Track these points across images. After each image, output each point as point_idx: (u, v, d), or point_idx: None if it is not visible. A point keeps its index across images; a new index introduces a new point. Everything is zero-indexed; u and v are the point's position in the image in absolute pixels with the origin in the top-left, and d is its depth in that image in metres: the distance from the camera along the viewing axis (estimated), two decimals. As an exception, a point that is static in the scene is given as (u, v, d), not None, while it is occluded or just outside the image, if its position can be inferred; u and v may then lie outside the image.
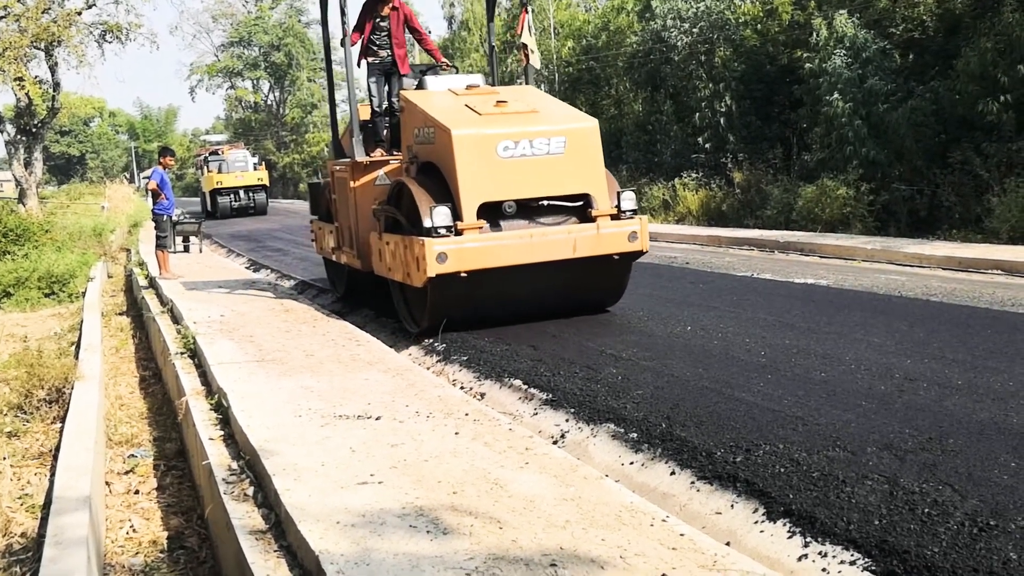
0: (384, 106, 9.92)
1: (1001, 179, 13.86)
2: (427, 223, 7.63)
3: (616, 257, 8.16)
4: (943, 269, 11.27)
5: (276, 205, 41.80)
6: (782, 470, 4.37)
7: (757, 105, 20.55)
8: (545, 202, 7.98)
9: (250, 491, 4.50)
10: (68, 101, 31.82)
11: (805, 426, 4.95)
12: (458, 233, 7.65)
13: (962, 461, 4.28)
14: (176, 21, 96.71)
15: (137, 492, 5.79)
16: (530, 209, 7.97)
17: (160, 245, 13.57)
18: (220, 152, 36.81)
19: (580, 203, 8.11)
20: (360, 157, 9.56)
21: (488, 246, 7.71)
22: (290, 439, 5.01)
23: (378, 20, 9.83)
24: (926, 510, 3.79)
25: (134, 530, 5.15)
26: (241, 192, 34.84)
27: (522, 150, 7.82)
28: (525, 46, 10.04)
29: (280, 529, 4.00)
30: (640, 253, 8.33)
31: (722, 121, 20.78)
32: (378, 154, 9.74)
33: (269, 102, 66.61)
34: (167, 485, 5.93)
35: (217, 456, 5.06)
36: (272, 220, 30.92)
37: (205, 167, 36.19)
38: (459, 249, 7.59)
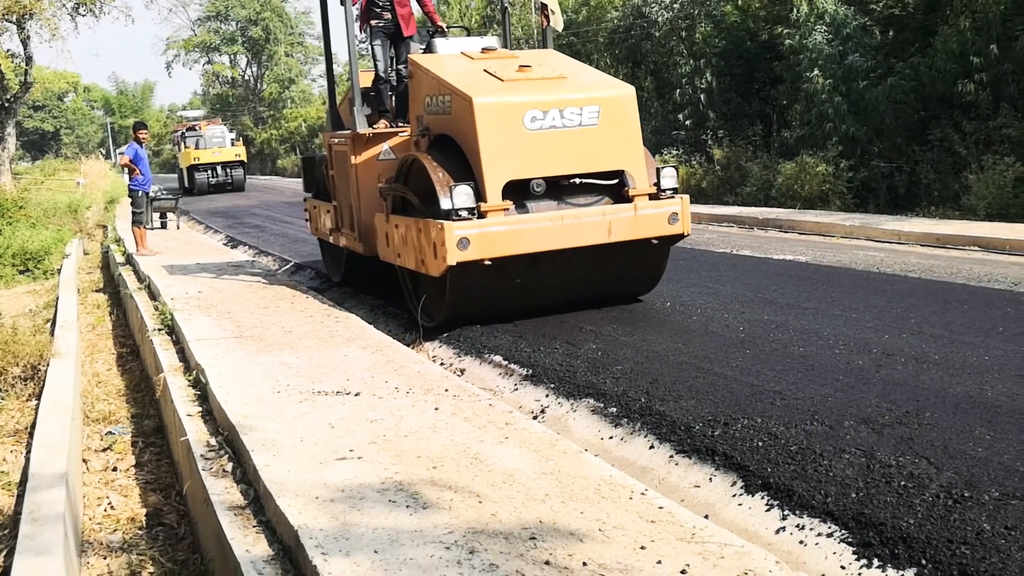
0: (389, 72, 9.14)
1: (979, 156, 13.93)
2: (446, 204, 6.82)
3: (655, 241, 7.41)
4: (921, 245, 11.34)
5: (254, 181, 41.51)
6: (760, 444, 4.40)
7: (737, 82, 20.52)
8: (577, 180, 7.20)
9: (229, 467, 4.48)
10: (41, 75, 31.33)
11: (783, 400, 4.97)
12: (481, 216, 6.82)
13: (938, 434, 4.32)
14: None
15: (115, 469, 5.75)
16: (559, 188, 7.17)
17: (136, 221, 13.43)
18: (197, 128, 36.48)
19: (615, 181, 7.35)
20: (362, 129, 8.67)
21: (515, 230, 6.88)
22: (269, 415, 4.98)
23: None
24: (902, 483, 3.83)
25: (112, 507, 5.12)
26: (219, 168, 34.59)
27: (551, 121, 7.01)
28: (545, 6, 9.05)
29: (259, 505, 3.99)
30: (680, 236, 7.56)
31: (703, 98, 20.75)
32: (382, 125, 8.93)
33: (247, 77, 65.97)
34: (145, 462, 5.90)
35: (195, 432, 5.04)
36: (250, 196, 30.70)
37: (182, 143, 35.88)
38: (483, 234, 6.77)
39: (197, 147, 34.57)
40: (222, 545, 3.75)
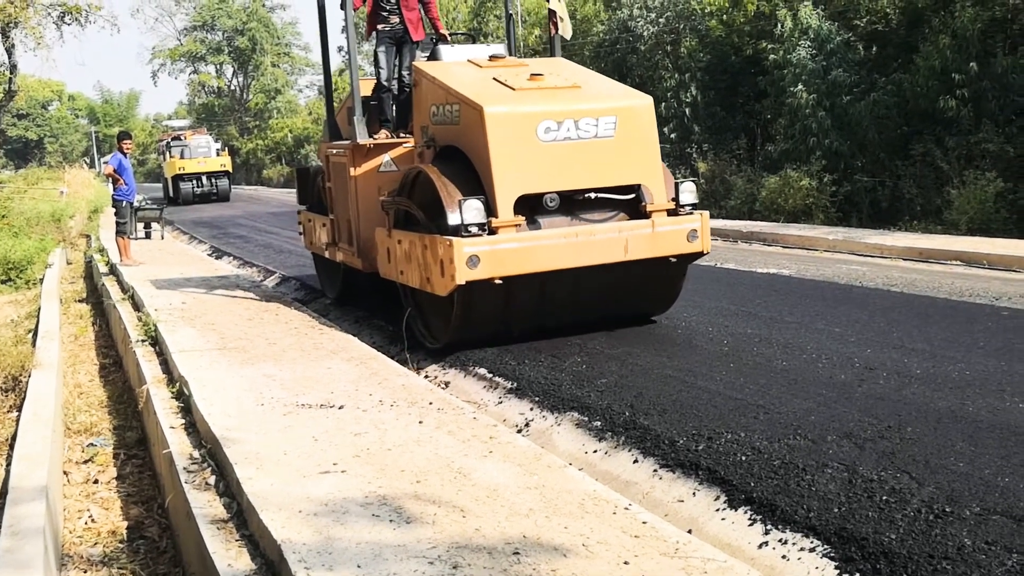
0: (392, 80, 8.74)
1: (960, 172, 14.06)
2: (454, 219, 6.46)
3: (673, 260, 7.08)
4: (903, 260, 11.41)
5: (239, 191, 41.39)
6: (743, 458, 4.41)
7: (722, 96, 20.64)
8: (593, 195, 6.84)
9: (211, 480, 4.46)
10: (25, 84, 31.23)
11: (767, 414, 4.99)
12: (492, 232, 6.47)
13: (920, 449, 4.34)
14: (137, 4, 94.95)
15: (96, 481, 5.71)
16: (572, 203, 6.82)
17: (120, 231, 13.37)
18: (183, 137, 36.38)
19: (632, 196, 7.02)
20: (362, 139, 8.28)
21: (528, 247, 6.53)
22: (252, 428, 4.97)
23: None
24: (884, 497, 3.85)
25: (93, 520, 5.08)
26: (204, 178, 34.48)
27: (566, 132, 6.65)
28: (554, 12, 8.71)
29: (242, 518, 3.98)
30: (700, 255, 7.21)
31: (687, 111, 20.86)
32: (383, 136, 8.58)
33: (232, 87, 65.85)
34: (127, 474, 5.86)
35: (178, 445, 5.01)
36: (235, 207, 30.60)
37: (167, 152, 35.76)
38: (494, 251, 6.41)
39: (182, 157, 34.47)
40: (204, 559, 3.74)
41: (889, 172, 15.90)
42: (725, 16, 21.21)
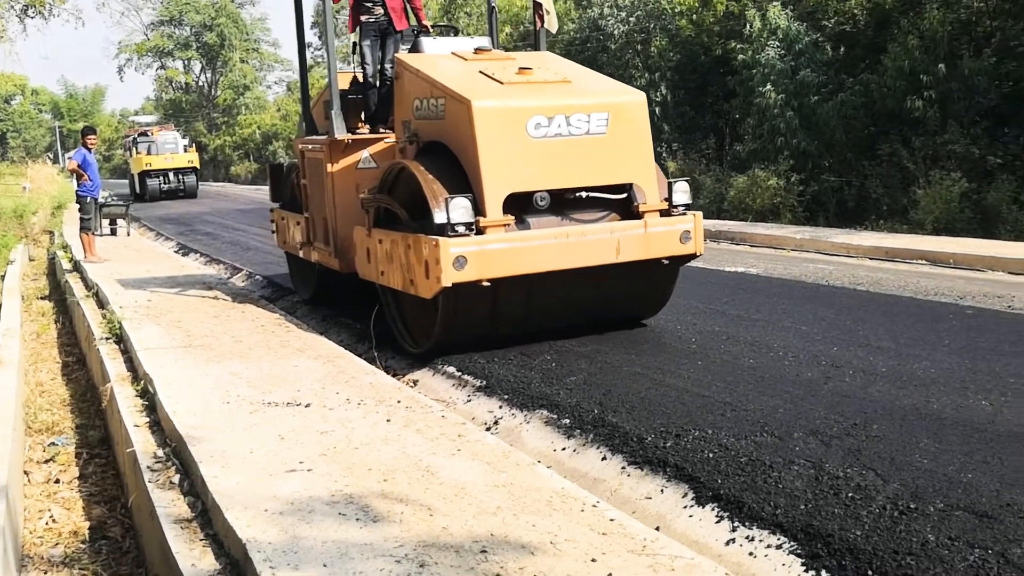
0: (376, 73, 8.43)
1: (926, 172, 14.22)
2: (440, 218, 6.20)
3: (665, 262, 6.90)
4: (870, 259, 11.52)
5: (207, 188, 41.03)
6: (711, 455, 4.42)
7: (691, 95, 20.74)
8: (584, 194, 6.62)
9: (176, 479, 4.41)
10: (-12, 78, 30.71)
11: (734, 412, 5.01)
12: (479, 232, 6.22)
13: (885, 446, 4.38)
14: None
15: (58, 481, 5.63)
16: (562, 202, 6.59)
17: (84, 228, 13.19)
18: (149, 133, 36.00)
19: (624, 195, 6.81)
20: (340, 134, 7.98)
21: (517, 248, 6.28)
22: (218, 426, 4.91)
23: None
24: (850, 494, 3.87)
25: (54, 520, 5.01)
26: (171, 174, 34.13)
27: (556, 128, 6.41)
28: (539, 5, 8.47)
29: (207, 517, 3.93)
30: (692, 256, 7.04)
31: (657, 111, 20.92)
32: (364, 131, 8.31)
33: (200, 83, 65.24)
34: (89, 474, 5.78)
35: (142, 443, 4.95)
36: (202, 203, 30.33)
37: (134, 148, 35.38)
38: (482, 252, 6.15)
39: (149, 153, 34.11)
40: (168, 559, 3.69)
41: (856, 172, 16.05)
42: (695, 16, 21.32)
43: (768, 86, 16.87)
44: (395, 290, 7.09)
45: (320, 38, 47.65)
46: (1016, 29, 14.85)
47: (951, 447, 4.34)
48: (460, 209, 6.19)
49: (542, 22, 8.54)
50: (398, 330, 7.36)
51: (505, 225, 6.30)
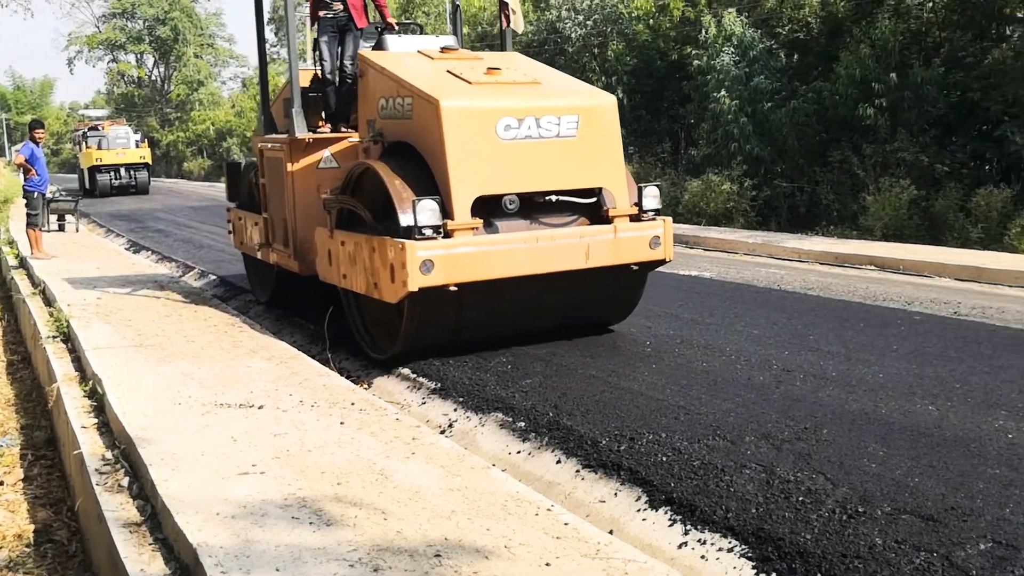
0: (335, 71, 8.25)
1: (876, 179, 14.48)
2: (407, 221, 6.01)
3: (634, 267, 6.84)
4: (820, 264, 11.70)
5: (159, 184, 40.41)
6: (664, 459, 4.46)
7: (648, 99, 20.89)
8: (554, 198, 6.50)
9: (124, 482, 4.34)
10: (-67, 68, 29.94)
11: (687, 415, 5.06)
12: (447, 235, 6.05)
13: (834, 450, 4.45)
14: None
15: (1, 483, 5.51)
16: (531, 205, 6.47)
17: (31, 223, 12.93)
18: (100, 128, 35.35)
19: (593, 199, 6.72)
20: (301, 133, 7.77)
21: (485, 252, 6.15)
22: (169, 428, 4.84)
23: None
24: (800, 498, 3.93)
25: (-2, 523, 4.90)
26: (122, 170, 33.54)
27: (527, 131, 6.29)
28: (506, 5, 8.33)
29: (156, 521, 3.87)
30: (662, 262, 6.99)
31: (614, 114, 21.05)
32: (325, 130, 8.15)
33: (153, 77, 64.32)
34: (35, 476, 5.66)
35: (90, 445, 4.86)
36: (154, 200, 29.88)
37: (84, 143, 34.73)
38: (449, 255, 5.99)
39: (100, 147, 33.49)
40: (115, 564, 3.62)
41: (808, 178, 16.30)
42: (651, 21, 21.48)
43: (723, 92, 17.06)
44: (357, 294, 6.93)
45: (277, 34, 47.26)
46: (964, 40, 15.18)
47: (898, 451, 4.42)
48: (427, 212, 6.02)
49: (508, 22, 8.42)
50: (360, 335, 7.17)
51: (473, 228, 6.16)
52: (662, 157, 19.69)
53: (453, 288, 6.06)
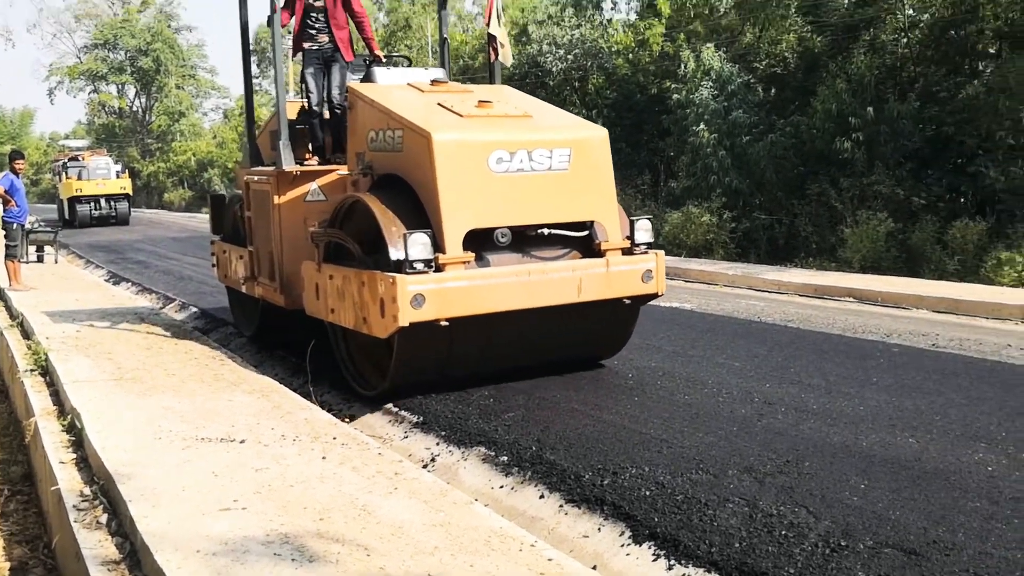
0: (323, 103, 8.21)
1: (854, 211, 14.65)
2: (397, 254, 5.94)
3: (627, 301, 6.74)
4: (800, 296, 11.78)
5: (139, 215, 40.27)
6: (647, 493, 4.46)
7: (627, 132, 21.09)
8: (546, 231, 6.46)
9: (103, 518, 4.29)
10: (-89, 98, 29.83)
11: (670, 448, 5.06)
12: (438, 269, 5.96)
13: (816, 484, 4.46)
14: (34, 19, 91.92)
15: (-23, 519, 5.44)
16: (522, 239, 6.42)
17: (10, 255, 12.86)
18: (80, 158, 35.25)
19: (585, 232, 6.67)
20: (288, 166, 7.72)
21: (477, 286, 6.05)
22: (149, 463, 4.80)
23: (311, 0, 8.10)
24: (783, 532, 3.93)
25: (-27, 560, 4.83)
26: (102, 200, 33.45)
27: (519, 164, 6.26)
28: (494, 38, 8.31)
29: (136, 559, 3.83)
30: (654, 296, 6.89)
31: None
32: (313, 162, 8.06)
33: (135, 108, 64.23)
34: (10, 512, 5.58)
35: (68, 481, 4.81)
36: (135, 231, 29.76)
37: (63, 173, 34.60)
38: (440, 290, 5.89)
39: (80, 178, 33.39)
40: (94, 603, 3.58)
41: (786, 210, 16.47)
42: (631, 55, 21.74)
43: (701, 125, 17.26)
44: (345, 329, 6.82)
45: (259, 65, 47.39)
46: (938, 75, 15.45)
47: (880, 484, 4.44)
48: (419, 245, 5.93)
49: (496, 55, 8.42)
50: (348, 371, 7.05)
51: (465, 262, 6.08)
52: (642, 189, 19.86)
53: (444, 323, 5.95)
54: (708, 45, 18.33)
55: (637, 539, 4.11)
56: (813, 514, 4.09)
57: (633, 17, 24.60)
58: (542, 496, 4.71)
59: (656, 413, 5.81)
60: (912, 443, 5.09)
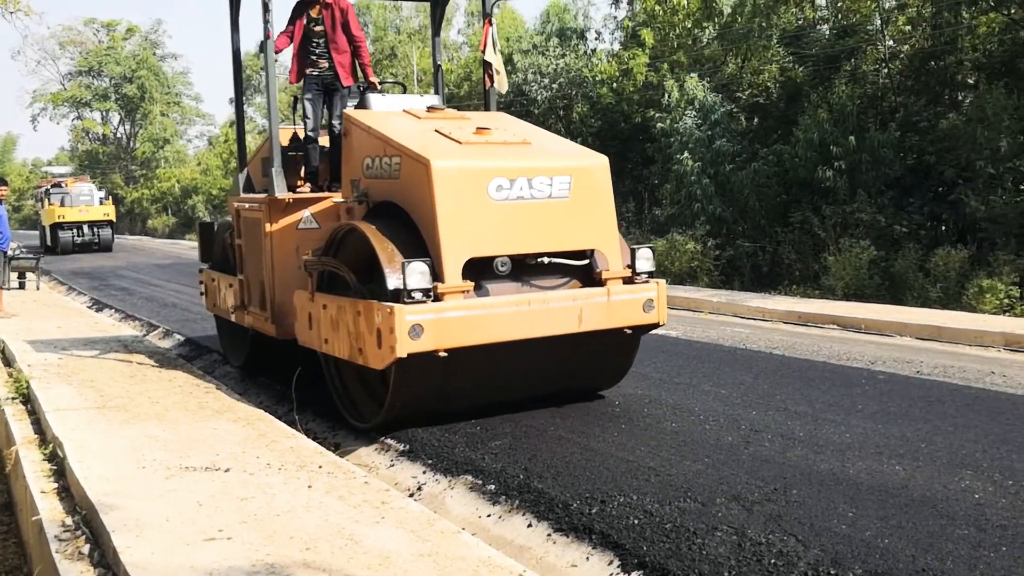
0: (320, 129, 8.15)
1: (836, 239, 14.75)
2: (395, 283, 5.79)
3: (628, 331, 6.64)
4: (784, 323, 11.83)
5: (123, 241, 40.13)
6: (636, 522, 4.44)
7: (612, 161, 20.97)
8: (546, 259, 6.34)
9: (85, 549, 4.23)
10: None
11: (658, 476, 5.06)
12: (437, 298, 5.82)
13: (804, 512, 4.46)
14: (18, 46, 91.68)
15: (-44, 550, 5.36)
16: (522, 268, 6.30)
17: (-8, 282, 12.77)
18: (63, 184, 35.16)
19: (586, 261, 6.57)
20: (281, 193, 7.54)
21: (477, 316, 5.91)
22: (132, 492, 4.75)
23: (310, 24, 7.98)
24: (772, 560, 3.92)
25: (-48, 593, 4.76)
26: (85, 227, 33.34)
27: (519, 191, 6.15)
28: (489, 65, 8.35)
29: (118, 590, 3.78)
30: (655, 326, 6.80)
31: (579, 174, 21.34)
32: (305, 189, 7.93)
33: (119, 135, 64.16)
34: (-9, 542, 5.51)
35: (49, 511, 4.75)
36: (118, 257, 29.63)
37: (46, 199, 34.47)
38: (439, 320, 5.74)
39: (63, 204, 33.28)
40: (76, 635, 3.53)
41: (769, 238, 16.58)
42: (615, 84, 21.91)
43: (685, 154, 17.39)
44: (339, 360, 6.67)
45: (245, 92, 47.42)
46: (918, 105, 15.64)
47: (868, 512, 4.44)
48: (417, 274, 5.78)
49: (492, 82, 8.39)
50: (342, 403, 6.87)
51: (464, 292, 5.94)
52: (626, 217, 19.98)
53: (443, 354, 5.80)
54: (691, 75, 18.51)
55: (626, 568, 4.09)
56: (802, 542, 4.08)
57: (617, 47, 24.85)
58: (530, 525, 4.69)
59: (643, 441, 5.81)
60: (899, 470, 5.10)
